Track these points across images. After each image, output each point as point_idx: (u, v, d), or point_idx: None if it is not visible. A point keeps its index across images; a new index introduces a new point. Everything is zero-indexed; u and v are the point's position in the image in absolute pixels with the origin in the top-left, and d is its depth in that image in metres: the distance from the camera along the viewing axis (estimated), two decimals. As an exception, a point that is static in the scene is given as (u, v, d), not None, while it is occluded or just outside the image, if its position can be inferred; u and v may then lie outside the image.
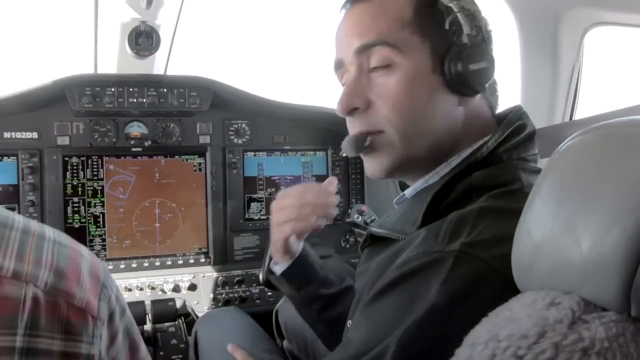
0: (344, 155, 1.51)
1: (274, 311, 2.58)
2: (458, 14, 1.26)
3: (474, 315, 0.90)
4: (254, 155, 3.03)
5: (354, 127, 1.36)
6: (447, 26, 1.26)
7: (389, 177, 1.40)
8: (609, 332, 0.74)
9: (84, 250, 0.99)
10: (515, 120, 1.30)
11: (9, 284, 0.81)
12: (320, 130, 3.10)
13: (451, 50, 1.26)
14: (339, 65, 1.40)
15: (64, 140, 2.68)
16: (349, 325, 1.39)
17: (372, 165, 1.38)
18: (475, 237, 1.07)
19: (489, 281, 1.03)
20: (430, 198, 1.23)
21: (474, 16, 1.30)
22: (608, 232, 0.73)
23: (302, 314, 1.93)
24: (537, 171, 1.24)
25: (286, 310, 2.51)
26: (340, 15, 1.40)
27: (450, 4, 1.26)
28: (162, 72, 2.78)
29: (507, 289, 0.96)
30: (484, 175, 1.22)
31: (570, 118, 2.47)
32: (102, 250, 2.73)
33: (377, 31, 1.28)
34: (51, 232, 0.95)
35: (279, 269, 1.85)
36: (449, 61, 1.25)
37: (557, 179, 0.85)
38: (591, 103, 2.47)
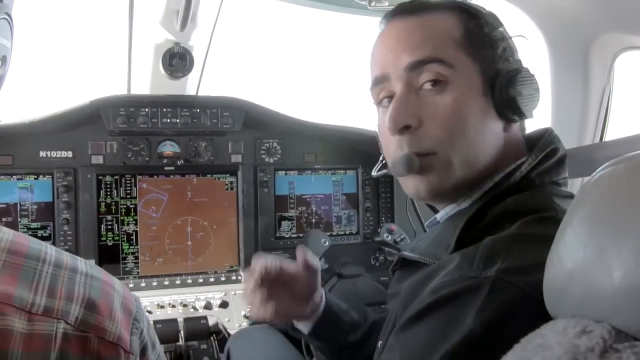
0: (377, 174, 1.50)
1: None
2: (509, 40, 1.26)
3: (510, 342, 0.89)
4: (285, 174, 3.06)
5: (400, 146, 1.28)
6: (498, 50, 1.26)
7: (432, 200, 1.36)
8: None
9: (116, 283, 0.99)
10: (548, 145, 1.29)
11: (40, 321, 0.81)
12: (350, 150, 3.11)
13: (501, 74, 1.25)
14: (380, 81, 1.34)
15: (98, 159, 2.73)
16: (379, 346, 1.36)
17: (417, 186, 1.31)
18: (511, 263, 1.05)
19: (525, 308, 1.01)
20: (464, 223, 1.20)
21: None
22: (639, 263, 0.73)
23: None
24: (570, 196, 1.23)
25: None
26: (381, 27, 1.37)
27: (501, 28, 1.27)
28: (194, 93, 2.82)
29: (543, 316, 0.94)
30: (517, 201, 1.20)
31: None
32: (135, 268, 2.76)
33: (430, 47, 1.25)
34: (83, 265, 0.95)
35: (305, 328, 1.79)
36: (500, 85, 1.24)
37: (588, 210, 0.84)
38: (622, 127, 2.46)
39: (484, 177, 1.28)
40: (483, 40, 1.27)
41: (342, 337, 1.77)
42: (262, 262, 1.65)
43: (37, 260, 0.87)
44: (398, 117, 1.25)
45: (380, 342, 1.36)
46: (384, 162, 1.46)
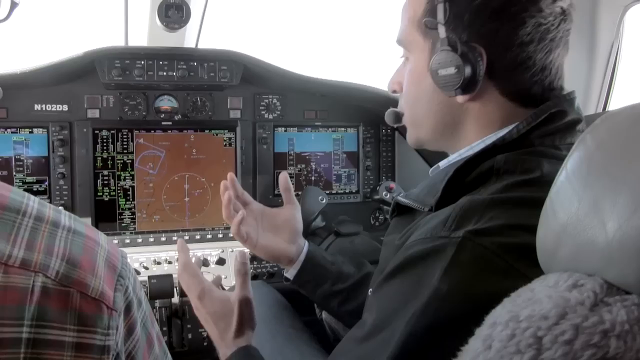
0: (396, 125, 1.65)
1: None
2: (439, 16, 1.29)
3: (477, 300, 0.95)
4: (285, 130, 3.03)
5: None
6: (449, 25, 1.30)
7: (419, 148, 1.59)
8: (631, 315, 0.73)
9: (101, 238, 0.96)
10: (552, 107, 1.28)
11: (16, 273, 0.78)
12: (352, 107, 3.08)
13: (435, 55, 1.32)
14: None
15: (94, 113, 2.69)
16: (369, 293, 1.43)
17: (407, 136, 1.56)
18: (482, 225, 1.11)
19: (491, 268, 1.07)
20: (452, 173, 1.26)
21: (470, 18, 1.28)
22: (634, 213, 0.73)
23: (325, 310, 1.98)
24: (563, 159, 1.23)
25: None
26: None
27: (439, 4, 1.29)
28: (193, 46, 2.77)
29: (509, 277, 1.01)
30: (506, 159, 1.24)
31: (606, 100, 2.41)
32: (132, 224, 2.75)
33: (399, 30, 1.46)
34: (67, 220, 0.92)
35: (290, 275, 1.96)
36: (431, 64, 1.32)
37: (584, 159, 0.85)
38: (631, 85, 2.41)
39: (453, 134, 1.42)
40: (435, 14, 1.31)
41: (327, 286, 1.92)
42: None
43: (17, 212, 0.85)
44: (389, 83, 1.56)
45: (370, 290, 1.43)
46: None
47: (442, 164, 1.47)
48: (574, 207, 0.82)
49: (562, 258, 0.86)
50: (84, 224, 0.96)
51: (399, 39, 1.46)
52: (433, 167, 1.52)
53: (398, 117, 1.55)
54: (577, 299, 0.76)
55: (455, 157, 1.41)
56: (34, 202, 0.89)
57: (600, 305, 0.75)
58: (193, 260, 1.83)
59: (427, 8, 1.34)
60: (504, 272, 1.05)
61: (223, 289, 2.60)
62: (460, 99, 1.32)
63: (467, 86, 1.28)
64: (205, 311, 1.69)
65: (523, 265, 1.05)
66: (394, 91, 1.55)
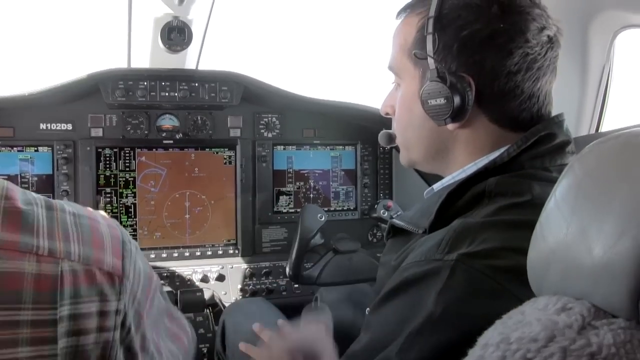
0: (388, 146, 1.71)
1: (315, 296, 2.63)
2: (428, 48, 1.31)
3: (470, 322, 0.95)
4: (284, 148, 3.06)
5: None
6: (439, 54, 1.31)
7: (415, 168, 1.58)
8: (617, 338, 0.75)
9: (98, 215, 1.07)
10: (541, 130, 1.30)
11: (46, 262, 0.90)
12: (349, 126, 3.12)
13: (424, 85, 1.34)
14: None
15: (97, 132, 2.74)
16: (367, 313, 1.42)
17: (400, 157, 1.59)
18: (474, 248, 1.12)
19: (483, 290, 1.08)
20: (445, 196, 1.29)
21: (459, 49, 1.30)
22: (619, 240, 0.74)
23: None
24: (553, 181, 1.25)
25: (326, 297, 2.56)
26: None
27: (428, 35, 1.31)
28: (193, 67, 2.81)
29: (501, 298, 1.02)
30: (497, 182, 1.26)
31: (599, 122, 2.44)
32: (134, 240, 2.76)
33: (390, 57, 1.48)
34: (66, 204, 1.03)
35: None
36: (421, 94, 1.35)
37: (572, 187, 0.86)
38: (621, 108, 2.45)
39: (445, 158, 1.44)
40: (425, 45, 1.33)
41: None
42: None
43: (29, 203, 0.95)
44: (381, 106, 1.58)
45: (367, 310, 1.42)
46: None
47: (436, 186, 1.48)
48: (562, 232, 0.84)
49: (551, 281, 0.88)
50: (80, 206, 1.08)
51: (390, 66, 1.48)
52: (427, 190, 1.53)
53: (391, 138, 1.59)
54: (565, 322, 0.78)
55: (449, 179, 1.43)
56: (36, 195, 1.01)
57: (588, 329, 0.77)
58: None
59: (417, 37, 1.36)
60: (496, 294, 1.07)
61: None
62: (450, 126, 1.34)
63: (457, 115, 1.31)
64: None
65: (514, 286, 1.06)
66: (387, 114, 1.57)
